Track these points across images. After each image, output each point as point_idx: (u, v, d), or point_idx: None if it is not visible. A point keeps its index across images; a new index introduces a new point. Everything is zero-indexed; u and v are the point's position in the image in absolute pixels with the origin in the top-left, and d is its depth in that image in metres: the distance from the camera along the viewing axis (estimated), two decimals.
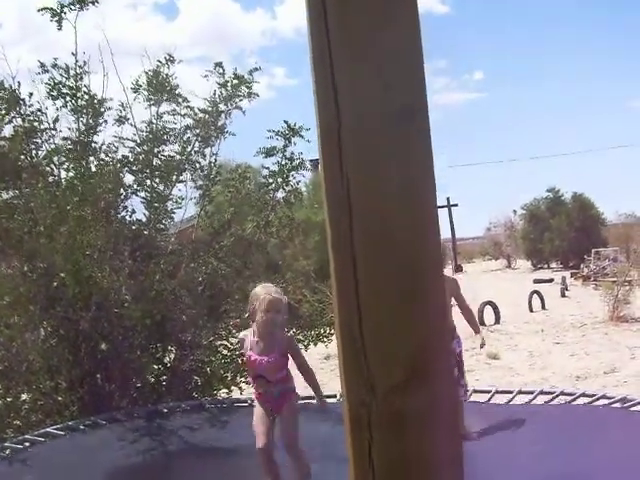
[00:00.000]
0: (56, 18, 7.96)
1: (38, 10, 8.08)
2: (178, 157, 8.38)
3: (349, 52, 1.09)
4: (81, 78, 8.03)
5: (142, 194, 8.21)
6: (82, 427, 6.68)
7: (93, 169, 8.02)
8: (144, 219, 8.23)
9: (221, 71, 8.59)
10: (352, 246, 1.08)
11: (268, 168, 8.73)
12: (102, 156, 8.12)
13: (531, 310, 20.09)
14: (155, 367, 8.27)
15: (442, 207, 47.91)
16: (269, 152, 8.57)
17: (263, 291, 5.08)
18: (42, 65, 8.00)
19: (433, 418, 1.11)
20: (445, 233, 49.26)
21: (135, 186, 8.16)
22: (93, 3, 8.07)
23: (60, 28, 7.99)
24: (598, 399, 6.52)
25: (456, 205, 51.12)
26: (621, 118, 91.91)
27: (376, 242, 1.08)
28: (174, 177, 8.34)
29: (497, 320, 18.06)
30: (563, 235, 38.26)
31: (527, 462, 5.29)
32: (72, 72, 8.00)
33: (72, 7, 7.99)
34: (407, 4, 1.10)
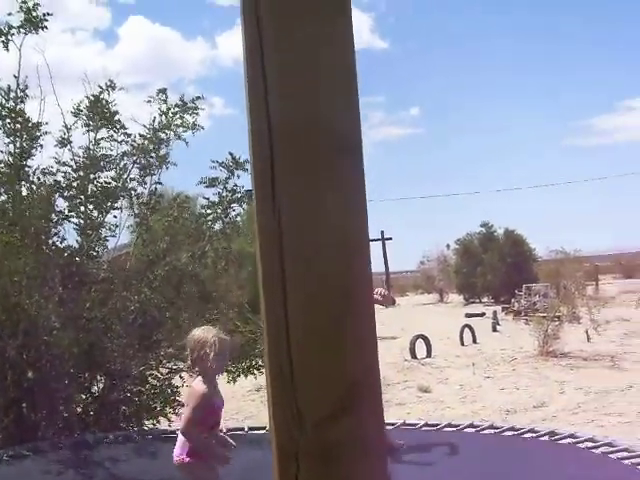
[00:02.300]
0: (1, 38, 7.86)
1: None
2: (114, 184, 8.30)
3: (284, 85, 1.09)
4: (21, 101, 7.93)
5: (75, 220, 8.11)
6: (5, 458, 6.51)
7: (24, 193, 7.90)
8: (76, 245, 8.11)
9: (163, 97, 8.56)
10: (283, 278, 1.08)
11: (208, 198, 8.70)
12: (35, 180, 8.00)
13: (462, 344, 20.24)
14: (83, 397, 8.12)
15: (376, 240, 48.00)
16: (211, 182, 8.54)
17: (212, 333, 4.80)
18: None
19: (361, 449, 1.11)
20: (379, 266, 49.44)
21: (67, 212, 8.05)
22: (42, 28, 8.00)
23: (7, 49, 7.89)
24: (526, 432, 6.60)
25: (390, 239, 51.18)
26: (555, 156, 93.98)
27: (307, 274, 1.09)
28: (109, 204, 8.25)
29: (429, 353, 18.16)
30: (495, 270, 38.67)
31: None
32: (12, 94, 7.90)
33: (22, 29, 7.92)
34: (342, 38, 1.12)
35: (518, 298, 30.28)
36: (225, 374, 8.74)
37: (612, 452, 5.77)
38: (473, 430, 6.90)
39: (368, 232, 1.14)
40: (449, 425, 7.08)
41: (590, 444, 6.07)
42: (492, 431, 6.80)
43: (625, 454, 5.68)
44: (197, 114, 8.62)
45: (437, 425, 7.15)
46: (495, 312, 26.63)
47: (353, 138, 1.12)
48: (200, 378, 4.79)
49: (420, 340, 18.34)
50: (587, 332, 18.76)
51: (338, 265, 1.09)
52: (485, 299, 41.03)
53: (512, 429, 6.80)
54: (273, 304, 1.10)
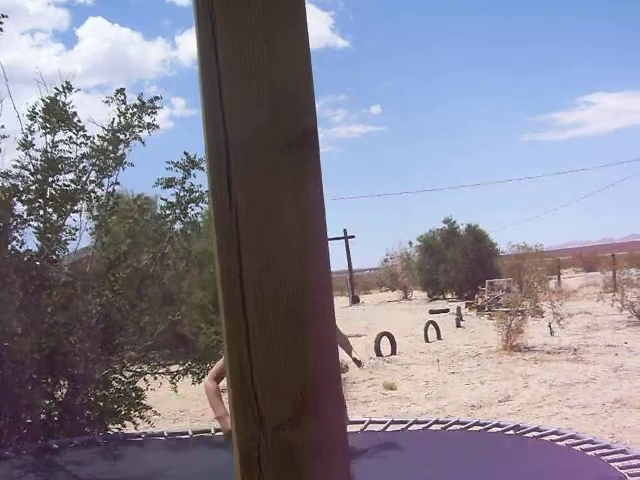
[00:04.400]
0: None
1: None
2: (73, 186, 8.21)
3: (238, 78, 1.07)
4: None
5: (34, 224, 8.02)
6: None
7: None
8: (36, 249, 8.02)
9: (122, 98, 8.49)
10: (241, 278, 1.06)
11: (166, 200, 8.66)
12: None
13: (427, 340, 20.33)
14: (46, 402, 8.03)
15: (339, 238, 48.18)
16: (168, 183, 8.50)
17: None
18: None
19: (324, 451, 1.10)
20: (342, 264, 49.56)
21: (26, 216, 7.96)
22: None
23: None
24: (492, 427, 6.64)
25: (353, 237, 51.36)
26: (513, 152, 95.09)
27: (265, 273, 1.07)
28: (68, 207, 8.17)
29: (393, 351, 18.21)
30: (458, 266, 38.82)
31: None
32: None
33: None
34: (297, 31, 1.10)
35: (481, 293, 30.44)
36: (190, 375, 8.73)
37: (577, 444, 5.82)
38: (439, 426, 6.92)
39: (326, 229, 1.12)
40: (415, 422, 7.09)
41: (555, 437, 6.12)
42: (458, 426, 6.83)
43: (590, 445, 5.74)
44: (155, 113, 8.57)
45: (403, 422, 7.16)
46: (459, 308, 26.75)
47: (309, 132, 1.10)
48: None
49: (385, 337, 18.39)
50: (550, 326, 18.91)
51: (297, 262, 1.07)
52: (449, 295, 41.24)
53: (478, 424, 6.83)
54: (231, 305, 1.08)
